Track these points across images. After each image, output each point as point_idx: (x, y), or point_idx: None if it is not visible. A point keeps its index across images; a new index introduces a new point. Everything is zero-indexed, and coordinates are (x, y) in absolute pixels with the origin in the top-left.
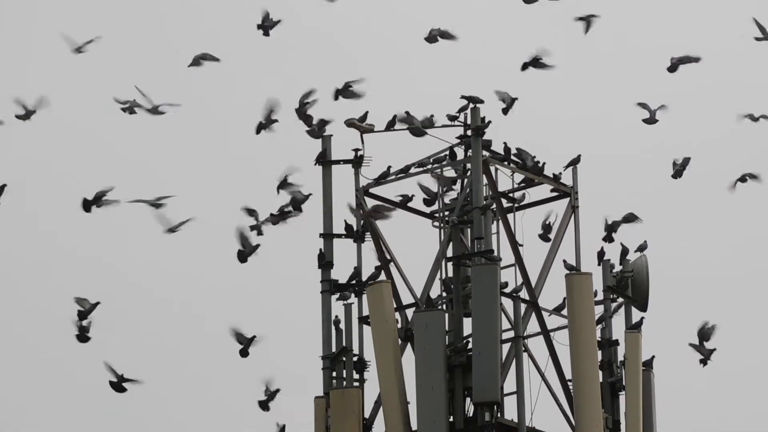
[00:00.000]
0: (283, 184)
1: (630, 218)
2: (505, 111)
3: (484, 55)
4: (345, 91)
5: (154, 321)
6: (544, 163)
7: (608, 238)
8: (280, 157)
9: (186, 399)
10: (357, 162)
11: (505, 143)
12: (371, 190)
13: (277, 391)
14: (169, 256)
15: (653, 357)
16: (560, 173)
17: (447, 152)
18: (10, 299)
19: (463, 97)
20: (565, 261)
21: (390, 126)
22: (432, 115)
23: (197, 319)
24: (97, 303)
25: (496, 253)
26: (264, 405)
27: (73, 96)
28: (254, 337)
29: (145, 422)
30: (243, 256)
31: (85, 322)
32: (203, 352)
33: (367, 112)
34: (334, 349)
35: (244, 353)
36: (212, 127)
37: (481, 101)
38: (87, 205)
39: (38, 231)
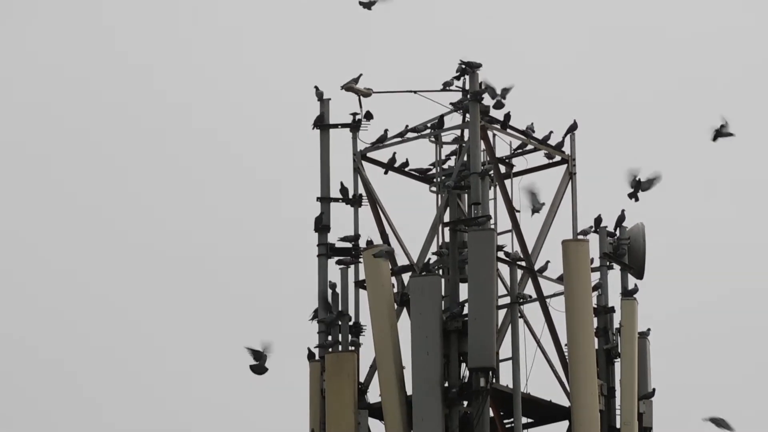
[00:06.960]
0: None
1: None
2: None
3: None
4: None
5: None
6: (550, 132)
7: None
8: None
9: None
10: (355, 126)
11: (507, 111)
12: (369, 154)
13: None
14: None
15: (649, 330)
16: (561, 140)
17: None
18: None
19: (461, 62)
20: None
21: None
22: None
23: None
24: None
25: (493, 219)
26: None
27: None
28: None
29: None
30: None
31: None
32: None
33: (360, 75)
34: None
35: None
36: None
37: (479, 65)
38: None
39: None
